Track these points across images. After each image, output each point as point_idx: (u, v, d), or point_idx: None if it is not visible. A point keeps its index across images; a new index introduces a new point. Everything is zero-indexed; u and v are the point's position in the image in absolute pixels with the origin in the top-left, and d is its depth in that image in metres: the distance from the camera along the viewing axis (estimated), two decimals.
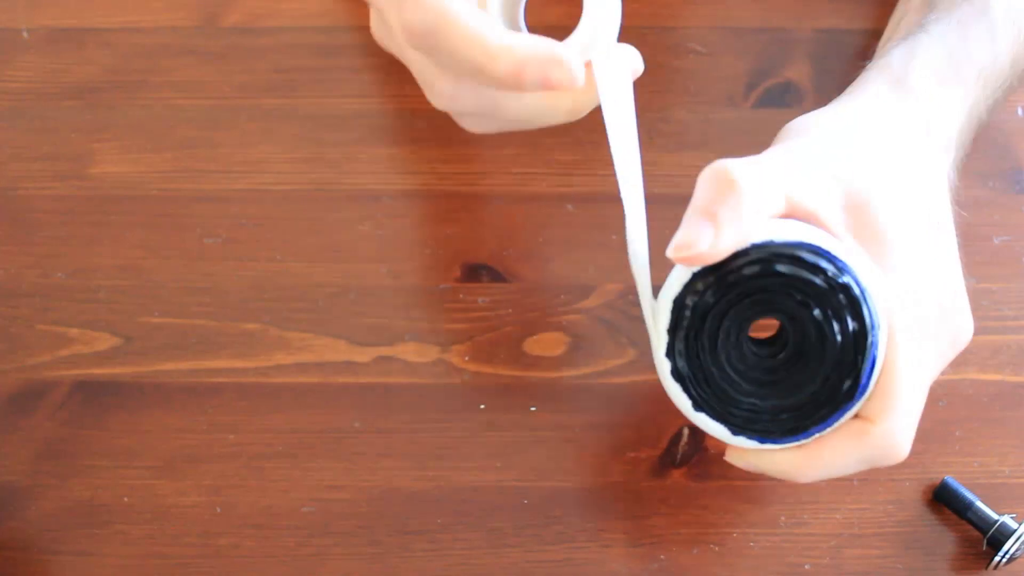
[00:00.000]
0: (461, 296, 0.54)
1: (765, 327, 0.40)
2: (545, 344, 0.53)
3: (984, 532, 0.48)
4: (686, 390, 0.38)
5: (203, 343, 0.53)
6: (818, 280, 0.36)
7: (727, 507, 0.50)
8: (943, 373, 0.41)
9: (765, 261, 0.36)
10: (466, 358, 0.53)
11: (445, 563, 0.49)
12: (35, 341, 0.53)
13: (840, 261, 0.36)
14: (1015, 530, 0.47)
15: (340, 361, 0.53)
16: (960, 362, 0.52)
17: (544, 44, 0.34)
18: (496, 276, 0.54)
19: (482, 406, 0.52)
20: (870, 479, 0.50)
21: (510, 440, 0.51)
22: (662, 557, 0.49)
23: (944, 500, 0.49)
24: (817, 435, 0.38)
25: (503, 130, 0.40)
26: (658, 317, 0.38)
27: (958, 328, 0.40)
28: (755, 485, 0.50)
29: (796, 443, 0.38)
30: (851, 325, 0.36)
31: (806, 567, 0.49)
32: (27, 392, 0.52)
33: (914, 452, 0.50)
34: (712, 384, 0.38)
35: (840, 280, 0.36)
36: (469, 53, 0.34)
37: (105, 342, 0.53)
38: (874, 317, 0.36)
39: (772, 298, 0.36)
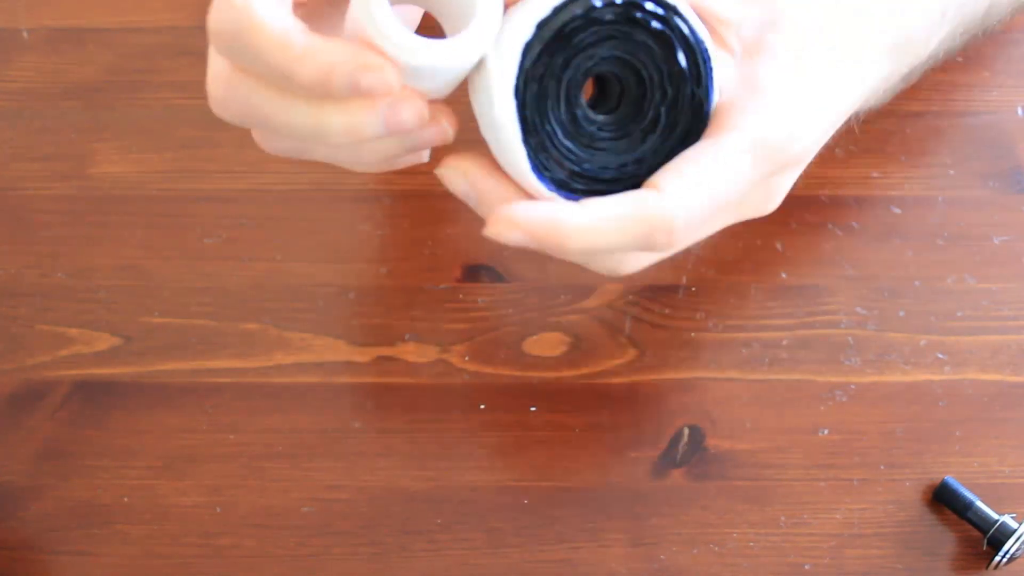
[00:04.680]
0: (461, 296, 0.54)
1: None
2: (545, 344, 0.53)
3: (984, 532, 0.48)
4: (532, 146, 0.35)
5: (203, 343, 0.53)
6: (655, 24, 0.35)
7: (727, 507, 0.50)
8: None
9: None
10: (466, 358, 0.53)
11: (445, 563, 0.49)
12: (35, 341, 0.53)
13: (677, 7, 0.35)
14: (1015, 530, 0.47)
15: (340, 361, 0.53)
16: (960, 362, 0.52)
17: (357, 49, 0.32)
18: (496, 276, 0.54)
19: (482, 406, 0.52)
20: (870, 479, 0.50)
21: (510, 440, 0.51)
22: (662, 557, 0.49)
23: (944, 500, 0.49)
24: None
25: (295, 156, 0.38)
26: (499, 93, 0.34)
27: (769, 196, 0.37)
28: (755, 485, 0.50)
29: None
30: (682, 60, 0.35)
31: (806, 567, 0.49)
32: (27, 392, 0.52)
33: (914, 452, 0.50)
34: (552, 140, 0.35)
35: (675, 24, 0.35)
36: (274, 56, 0.32)
37: (105, 342, 0.53)
38: (711, 74, 0.35)
39: (611, 52, 0.35)
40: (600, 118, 0.36)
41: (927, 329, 0.53)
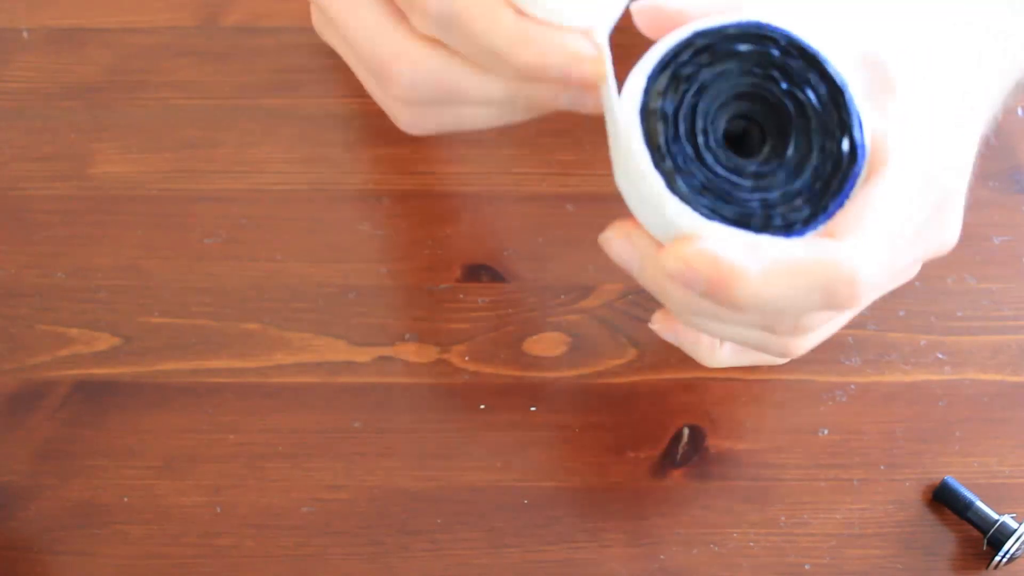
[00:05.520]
0: (461, 296, 0.54)
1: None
2: (545, 344, 0.53)
3: (984, 532, 0.48)
4: (691, 201, 0.33)
5: (203, 343, 0.53)
6: (773, 50, 0.34)
7: (727, 507, 0.50)
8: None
9: (718, 42, 0.34)
10: (466, 358, 0.53)
11: (445, 563, 0.49)
12: (35, 341, 0.53)
13: (784, 31, 0.34)
14: (1015, 530, 0.47)
15: (340, 361, 0.53)
16: (960, 362, 0.52)
17: (571, 37, 0.32)
18: (496, 276, 0.54)
19: (482, 406, 0.52)
20: (870, 479, 0.50)
21: (510, 440, 0.51)
22: (662, 557, 0.49)
23: (944, 500, 0.49)
24: (838, 212, 0.34)
25: (446, 129, 0.37)
26: (629, 134, 0.33)
27: (944, 226, 0.36)
28: (755, 485, 0.50)
29: (822, 227, 0.34)
30: (820, 87, 0.34)
31: (806, 567, 0.49)
32: (27, 392, 0.52)
33: (914, 452, 0.50)
34: (714, 189, 0.33)
35: (793, 43, 0.34)
36: (490, 40, 0.32)
37: (105, 342, 0.53)
38: (840, 76, 0.34)
39: (737, 82, 0.34)
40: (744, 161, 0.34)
41: (927, 329, 0.53)
